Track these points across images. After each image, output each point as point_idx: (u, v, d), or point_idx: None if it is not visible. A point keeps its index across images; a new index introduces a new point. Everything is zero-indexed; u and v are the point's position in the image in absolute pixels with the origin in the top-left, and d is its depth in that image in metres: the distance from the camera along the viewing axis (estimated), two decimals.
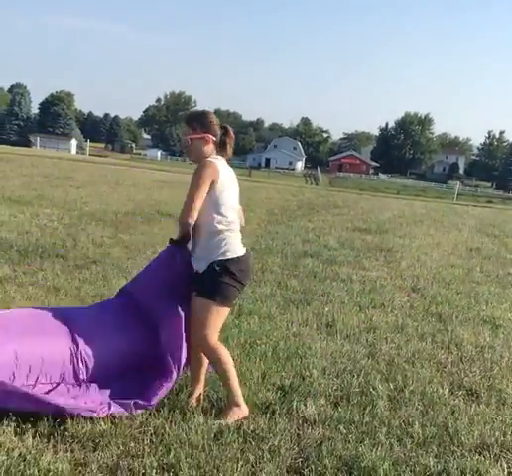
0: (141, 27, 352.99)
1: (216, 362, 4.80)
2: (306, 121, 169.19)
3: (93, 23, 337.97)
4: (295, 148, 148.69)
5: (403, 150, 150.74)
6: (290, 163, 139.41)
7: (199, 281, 4.66)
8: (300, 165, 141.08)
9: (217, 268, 4.60)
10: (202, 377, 5.06)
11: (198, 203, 4.50)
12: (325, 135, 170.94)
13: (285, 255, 11.72)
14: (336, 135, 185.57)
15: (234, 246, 4.69)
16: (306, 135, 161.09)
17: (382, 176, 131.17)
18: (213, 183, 4.53)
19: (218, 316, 4.72)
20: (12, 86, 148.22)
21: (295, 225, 16.10)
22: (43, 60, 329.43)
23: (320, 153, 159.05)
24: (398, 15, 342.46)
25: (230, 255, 4.64)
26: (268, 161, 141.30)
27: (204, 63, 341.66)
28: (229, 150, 4.81)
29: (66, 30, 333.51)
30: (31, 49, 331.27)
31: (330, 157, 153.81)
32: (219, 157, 4.72)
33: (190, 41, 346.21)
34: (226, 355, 4.81)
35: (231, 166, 4.87)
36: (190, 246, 4.75)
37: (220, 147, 4.75)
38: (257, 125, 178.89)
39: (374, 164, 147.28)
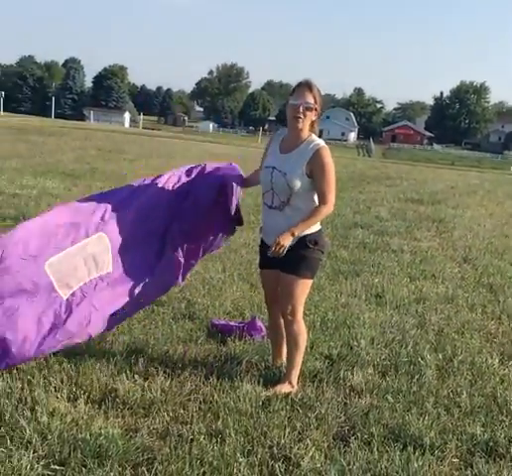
0: None
1: (297, 336, 4.84)
2: (359, 91, 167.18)
3: None
4: (347, 119, 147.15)
5: (458, 119, 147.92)
6: (342, 134, 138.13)
7: (288, 257, 4.63)
8: (352, 136, 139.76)
9: (309, 244, 4.65)
10: (284, 351, 5.10)
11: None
12: (379, 105, 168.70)
13: (335, 226, 11.70)
14: (390, 105, 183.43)
15: None
16: (359, 106, 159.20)
17: (436, 146, 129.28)
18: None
19: (307, 290, 4.84)
20: (66, 61, 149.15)
21: (346, 196, 16.02)
22: (96, 34, 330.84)
23: (374, 124, 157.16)
24: None
25: (316, 228, 4.73)
26: (320, 132, 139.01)
27: (256, 34, 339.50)
28: (317, 128, 4.80)
29: (121, 2, 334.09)
30: (85, 22, 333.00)
31: (384, 127, 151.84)
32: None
33: (242, 10, 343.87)
34: (305, 335, 4.92)
35: None
36: (272, 223, 4.79)
37: (312, 124, 4.74)
38: None
39: (428, 134, 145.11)
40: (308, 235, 4.65)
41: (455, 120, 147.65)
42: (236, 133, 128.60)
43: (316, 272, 4.87)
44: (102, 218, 4.88)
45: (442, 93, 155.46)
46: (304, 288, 4.77)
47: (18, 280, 4.40)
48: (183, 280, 5.28)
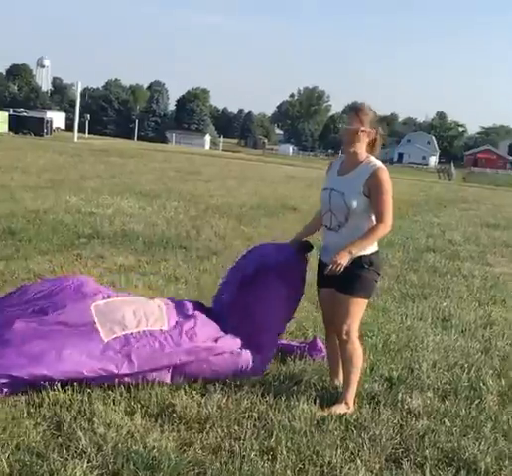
0: (272, 21, 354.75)
1: (352, 356, 4.87)
2: (441, 115, 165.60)
3: (228, 20, 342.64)
4: (429, 142, 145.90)
5: None
6: (423, 157, 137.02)
7: (344, 277, 4.68)
8: (433, 159, 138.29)
9: (365, 264, 4.71)
10: (341, 371, 5.13)
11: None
12: (461, 129, 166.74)
13: (407, 249, 11.64)
14: (473, 129, 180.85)
15: None
16: (440, 129, 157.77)
17: None
18: None
19: (362, 309, 4.87)
20: (151, 84, 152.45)
21: (420, 220, 15.92)
22: (182, 59, 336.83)
23: (455, 147, 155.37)
24: None
25: (373, 249, 4.78)
26: (401, 155, 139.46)
27: (339, 58, 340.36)
28: (378, 149, 4.86)
29: (206, 27, 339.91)
30: (170, 47, 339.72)
31: (466, 151, 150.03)
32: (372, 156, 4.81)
33: (325, 35, 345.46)
34: (361, 354, 4.93)
35: None
36: (330, 242, 4.88)
37: (371, 145, 4.82)
38: (390, 119, 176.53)
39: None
40: (364, 255, 4.69)
41: None
42: (315, 156, 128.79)
43: (371, 292, 4.90)
44: None
45: None
46: (358, 307, 4.79)
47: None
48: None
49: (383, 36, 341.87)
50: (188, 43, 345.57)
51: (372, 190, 4.63)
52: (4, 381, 4.42)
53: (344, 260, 4.55)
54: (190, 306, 5.38)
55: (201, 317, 5.19)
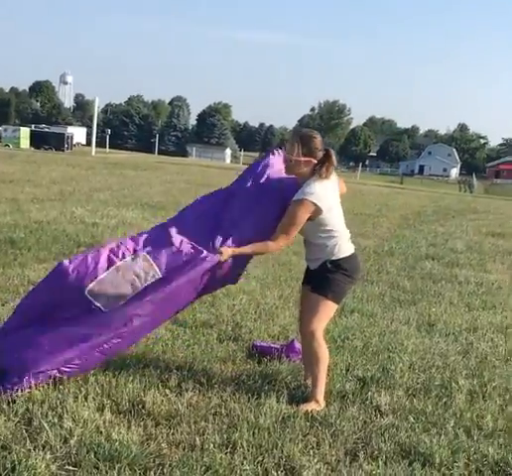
0: (293, 34, 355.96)
1: (316, 353, 5.02)
2: (463, 127, 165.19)
3: (249, 34, 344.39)
4: (450, 155, 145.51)
5: None
6: (444, 170, 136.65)
7: (317, 278, 5.01)
8: (454, 172, 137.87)
9: (332, 268, 4.91)
10: None
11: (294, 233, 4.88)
12: (483, 141, 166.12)
13: (406, 257, 11.75)
14: (495, 141, 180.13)
15: (343, 247, 4.97)
16: (461, 141, 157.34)
17: None
18: (311, 217, 4.82)
19: (329, 310, 5.04)
20: (173, 99, 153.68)
21: (425, 229, 16.00)
22: (203, 74, 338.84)
23: (477, 159, 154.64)
24: None
25: (342, 254, 4.97)
26: (422, 168, 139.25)
27: (360, 71, 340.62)
28: (327, 173, 4.92)
29: (227, 42, 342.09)
30: (191, 63, 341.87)
31: (487, 163, 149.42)
32: (318, 178, 4.89)
33: (345, 48, 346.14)
34: (325, 352, 5.06)
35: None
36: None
37: (319, 166, 4.90)
38: (412, 132, 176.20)
39: None
40: (331, 260, 4.93)
41: None
42: (336, 169, 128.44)
43: (339, 294, 5.05)
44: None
45: None
46: (325, 307, 4.95)
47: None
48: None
49: (405, 50, 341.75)
50: (210, 58, 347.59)
51: None
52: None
53: (225, 255, 4.75)
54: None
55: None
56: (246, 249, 4.84)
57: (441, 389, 5.48)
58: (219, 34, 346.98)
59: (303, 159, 4.84)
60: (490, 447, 4.45)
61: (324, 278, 4.93)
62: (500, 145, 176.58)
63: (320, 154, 4.88)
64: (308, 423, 4.63)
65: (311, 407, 4.90)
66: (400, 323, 7.40)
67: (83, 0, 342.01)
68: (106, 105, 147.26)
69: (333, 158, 4.94)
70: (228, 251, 4.76)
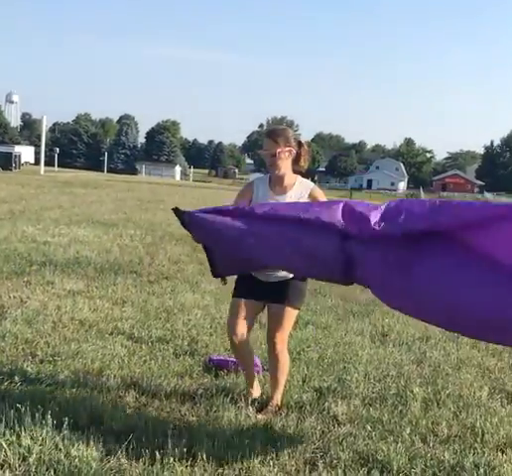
0: (243, 53, 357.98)
1: (286, 363, 5.23)
2: (409, 142, 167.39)
3: (192, 53, 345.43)
4: (397, 169, 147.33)
5: (510, 168, 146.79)
6: (392, 184, 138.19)
7: (280, 290, 5.03)
8: (402, 185, 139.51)
9: (299, 277, 5.02)
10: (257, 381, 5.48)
11: None
12: (429, 155, 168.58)
13: None
14: (440, 155, 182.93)
15: None
16: (408, 156, 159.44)
17: (487, 194, 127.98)
18: None
19: (294, 319, 5.29)
20: (121, 117, 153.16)
21: None
22: (151, 92, 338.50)
23: (424, 173, 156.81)
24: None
25: None
26: (370, 182, 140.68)
27: (306, 88, 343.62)
28: (306, 163, 5.14)
29: (170, 61, 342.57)
30: (138, 81, 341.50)
31: (434, 177, 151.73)
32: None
33: (290, 66, 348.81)
34: (289, 359, 5.32)
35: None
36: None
37: (297, 161, 5.07)
38: (359, 147, 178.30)
39: (479, 183, 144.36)
40: None
41: (507, 168, 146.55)
42: None
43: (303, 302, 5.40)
44: None
45: (492, 142, 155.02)
46: (294, 317, 5.24)
47: None
48: None
49: (351, 65, 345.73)
50: (158, 76, 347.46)
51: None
52: None
53: None
54: None
55: None
56: None
57: (396, 397, 5.57)
58: (167, 51, 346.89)
59: (287, 149, 4.92)
60: (446, 453, 4.55)
61: (297, 289, 5.05)
62: (446, 159, 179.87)
63: (294, 143, 4.99)
64: (266, 435, 4.66)
65: (272, 413, 5.02)
66: (354, 334, 7.49)
67: (27, 18, 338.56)
68: (54, 124, 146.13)
69: (306, 146, 5.12)
70: None
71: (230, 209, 4.58)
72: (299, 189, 4.99)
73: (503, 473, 4.35)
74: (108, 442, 4.40)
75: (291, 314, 5.09)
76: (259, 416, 4.94)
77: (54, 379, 5.44)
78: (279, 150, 4.89)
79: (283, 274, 4.98)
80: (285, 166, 4.96)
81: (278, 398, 5.15)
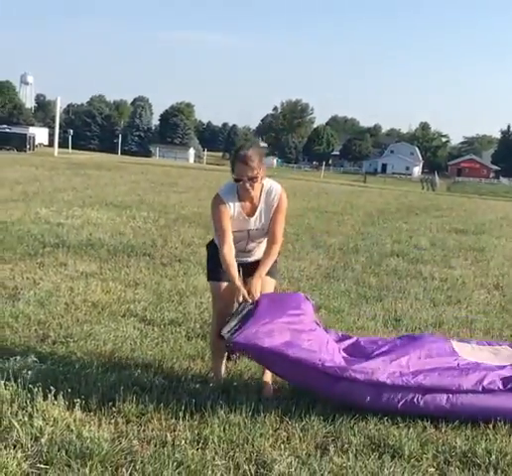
0: (259, 38, 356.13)
1: None
2: (425, 126, 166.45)
3: (211, 36, 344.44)
4: (412, 153, 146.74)
5: None
6: (407, 168, 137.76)
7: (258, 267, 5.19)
8: (417, 170, 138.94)
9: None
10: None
11: None
12: (444, 139, 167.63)
13: (371, 255, 11.83)
14: (456, 139, 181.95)
15: None
16: (424, 140, 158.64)
17: (503, 179, 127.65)
18: None
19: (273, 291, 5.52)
20: (135, 99, 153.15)
21: (389, 226, 16.15)
22: (166, 74, 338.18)
23: (439, 158, 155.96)
24: None
25: None
26: (384, 166, 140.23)
27: (322, 70, 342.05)
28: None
29: (189, 42, 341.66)
30: (154, 63, 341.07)
31: (449, 161, 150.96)
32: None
33: (307, 47, 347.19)
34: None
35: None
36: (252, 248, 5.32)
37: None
38: (374, 131, 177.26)
39: (495, 168, 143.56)
40: None
41: None
42: (300, 168, 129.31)
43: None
44: None
45: (509, 126, 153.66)
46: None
47: None
48: None
49: (367, 48, 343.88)
50: (172, 58, 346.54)
51: (275, 213, 5.14)
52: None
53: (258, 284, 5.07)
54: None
55: None
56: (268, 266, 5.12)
57: None
58: (183, 34, 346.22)
59: (262, 171, 5.00)
60: (458, 439, 4.53)
61: (273, 265, 5.23)
62: (461, 143, 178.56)
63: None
64: (278, 418, 4.66)
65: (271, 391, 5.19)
66: (367, 319, 7.47)
67: (43, 2, 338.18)
68: (68, 105, 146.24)
69: None
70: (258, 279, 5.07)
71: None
72: (268, 199, 5.12)
73: None
74: (119, 424, 4.44)
75: (272, 285, 5.36)
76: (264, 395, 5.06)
77: (66, 360, 5.48)
78: (256, 173, 4.93)
79: (258, 256, 5.23)
80: (258, 187, 5.05)
81: (268, 377, 5.26)
